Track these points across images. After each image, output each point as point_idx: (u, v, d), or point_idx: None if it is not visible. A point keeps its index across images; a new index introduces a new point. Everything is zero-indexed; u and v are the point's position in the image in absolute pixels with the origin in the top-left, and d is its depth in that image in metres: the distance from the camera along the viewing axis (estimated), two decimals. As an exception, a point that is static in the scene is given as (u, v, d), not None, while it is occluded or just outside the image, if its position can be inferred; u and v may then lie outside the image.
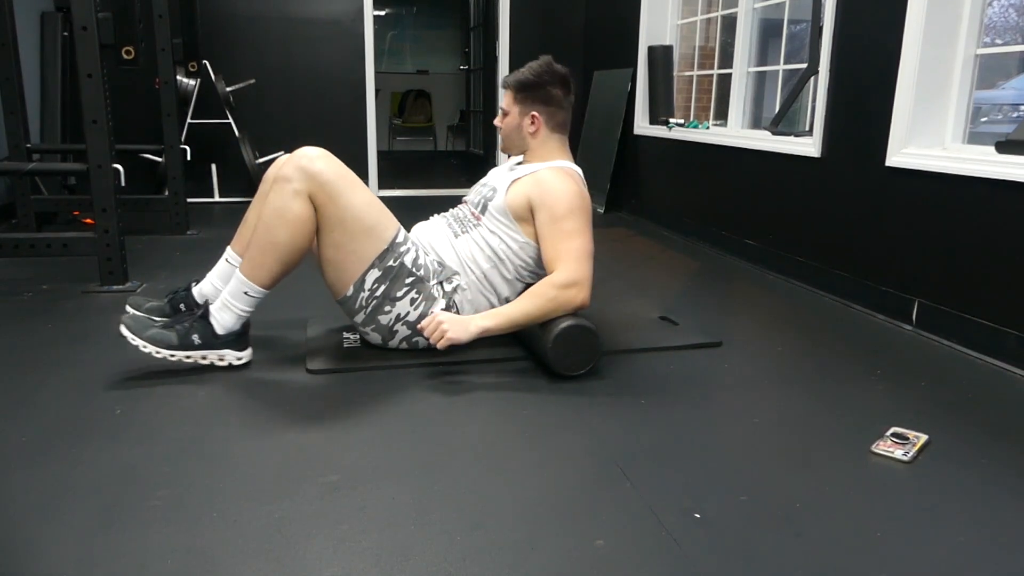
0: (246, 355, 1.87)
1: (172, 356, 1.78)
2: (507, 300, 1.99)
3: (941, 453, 1.51)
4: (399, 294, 1.84)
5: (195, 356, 1.80)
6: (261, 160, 4.83)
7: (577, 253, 1.85)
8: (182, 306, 2.00)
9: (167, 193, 3.81)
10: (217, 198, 5.02)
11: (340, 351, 2.00)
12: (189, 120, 4.74)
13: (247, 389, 1.76)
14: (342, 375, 1.86)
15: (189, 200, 4.16)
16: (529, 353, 1.98)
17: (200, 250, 3.35)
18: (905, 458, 1.47)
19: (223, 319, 1.80)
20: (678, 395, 1.79)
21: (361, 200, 1.81)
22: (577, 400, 1.74)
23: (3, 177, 3.78)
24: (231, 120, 4.72)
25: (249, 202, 2.08)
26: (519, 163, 2.08)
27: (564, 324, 1.81)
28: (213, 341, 1.80)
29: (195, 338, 1.78)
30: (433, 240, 1.99)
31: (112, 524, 1.20)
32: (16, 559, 1.11)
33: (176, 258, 3.22)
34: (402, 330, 1.91)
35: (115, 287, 2.63)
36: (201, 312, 1.79)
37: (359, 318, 1.91)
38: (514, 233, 1.95)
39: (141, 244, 3.44)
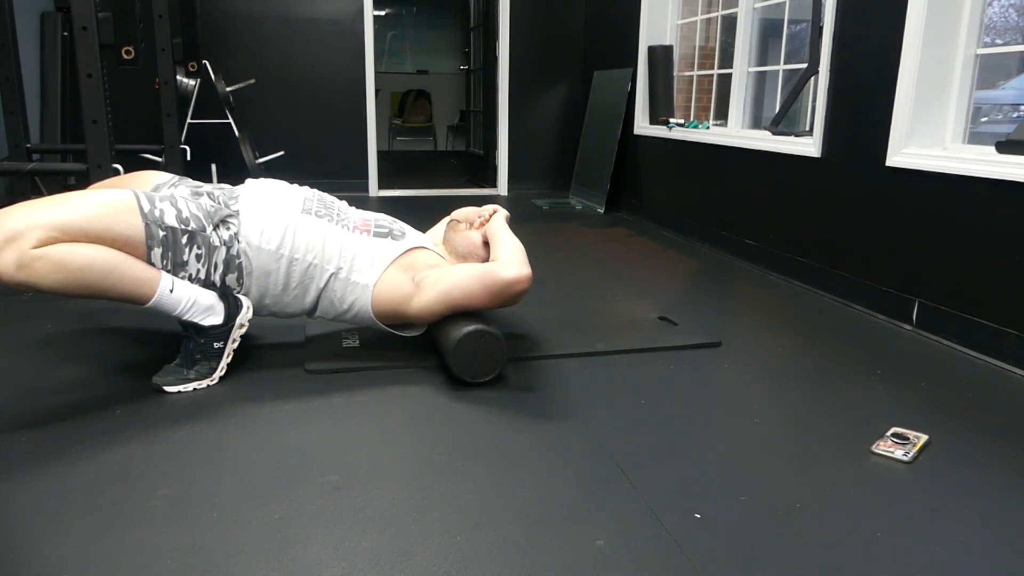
0: (246, 303, 1.84)
1: (223, 370, 1.80)
2: (296, 304, 1.90)
3: (941, 453, 1.51)
4: (185, 258, 1.74)
5: (230, 350, 1.81)
6: (261, 160, 4.83)
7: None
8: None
9: (167, 193, 3.80)
10: (217, 198, 5.02)
11: (339, 351, 2.00)
12: (189, 120, 4.75)
13: (247, 389, 1.77)
14: (341, 375, 1.86)
15: (189, 200, 4.15)
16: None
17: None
18: (905, 458, 1.47)
19: (205, 306, 1.77)
20: (678, 395, 1.79)
21: (85, 206, 1.58)
22: (577, 400, 1.74)
23: (3, 177, 3.78)
24: (231, 120, 4.72)
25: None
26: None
27: (467, 329, 1.78)
28: (225, 328, 1.79)
29: (215, 344, 1.79)
30: (265, 200, 1.92)
31: (112, 524, 1.20)
32: (16, 559, 1.11)
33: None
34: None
35: (115, 287, 2.63)
36: (194, 328, 1.77)
37: None
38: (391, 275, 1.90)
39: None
